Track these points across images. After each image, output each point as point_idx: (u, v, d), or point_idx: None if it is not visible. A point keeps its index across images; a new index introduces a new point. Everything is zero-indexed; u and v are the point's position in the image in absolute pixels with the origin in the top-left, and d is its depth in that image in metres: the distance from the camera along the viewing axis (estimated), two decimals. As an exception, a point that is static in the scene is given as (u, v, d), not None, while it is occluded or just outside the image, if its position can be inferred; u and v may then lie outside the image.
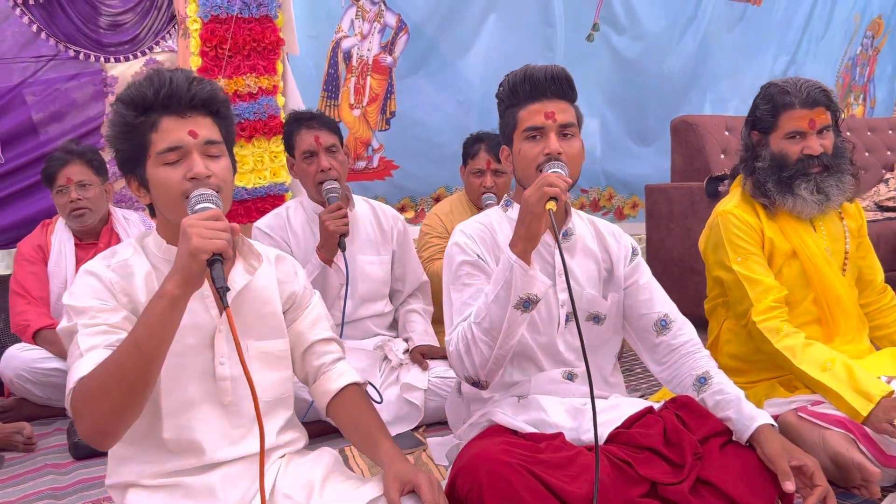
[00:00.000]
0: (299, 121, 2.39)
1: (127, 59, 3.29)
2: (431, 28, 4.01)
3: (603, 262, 1.79)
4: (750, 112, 1.99)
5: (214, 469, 1.38)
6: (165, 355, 1.23)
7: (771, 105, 1.92)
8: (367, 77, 3.90)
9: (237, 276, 1.41)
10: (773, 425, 1.55)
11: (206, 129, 1.32)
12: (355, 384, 1.52)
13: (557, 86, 1.66)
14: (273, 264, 1.50)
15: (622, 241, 1.82)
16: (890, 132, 4.56)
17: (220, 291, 1.17)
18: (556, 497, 1.36)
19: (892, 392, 1.64)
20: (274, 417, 1.46)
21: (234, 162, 1.42)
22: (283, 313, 1.50)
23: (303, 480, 1.39)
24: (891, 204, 3.85)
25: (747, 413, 1.57)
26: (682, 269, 3.44)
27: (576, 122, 1.68)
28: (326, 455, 1.47)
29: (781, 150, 1.90)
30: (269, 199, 3.25)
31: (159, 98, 1.28)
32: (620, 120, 4.77)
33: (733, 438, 1.58)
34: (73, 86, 3.24)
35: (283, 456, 1.46)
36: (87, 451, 2.13)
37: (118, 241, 2.73)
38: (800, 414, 1.78)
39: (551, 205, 1.48)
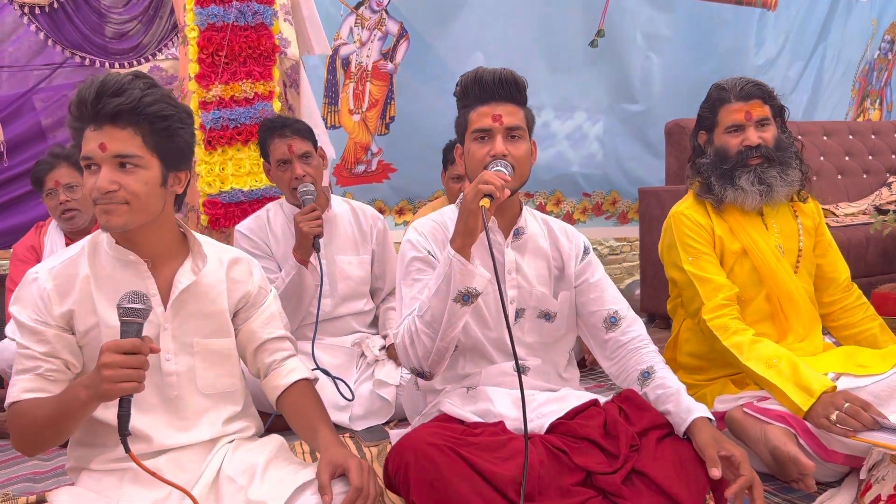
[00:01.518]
0: (272, 129, 2.46)
1: (132, 66, 3.42)
2: (433, 35, 4.08)
3: (554, 261, 1.83)
4: (697, 117, 2.03)
5: (162, 454, 1.46)
6: (79, 426, 1.37)
7: (710, 103, 1.97)
8: (366, 83, 3.99)
9: (182, 276, 1.49)
10: (709, 419, 1.58)
11: (119, 142, 1.33)
12: (304, 379, 1.59)
13: (506, 89, 1.71)
14: (225, 265, 1.57)
15: (574, 240, 1.87)
16: (895, 135, 4.51)
17: (122, 439, 1.25)
18: (482, 478, 1.41)
19: (835, 388, 1.66)
20: (218, 409, 1.54)
21: (177, 168, 1.44)
22: (235, 313, 1.57)
23: (246, 464, 1.46)
24: (892, 208, 3.82)
25: (685, 406, 1.60)
26: (672, 272, 3.46)
27: (524, 125, 1.73)
28: (272, 441, 1.55)
29: (723, 145, 1.95)
30: (264, 201, 3.33)
31: (85, 107, 1.33)
32: (624, 124, 4.77)
33: (673, 432, 1.62)
34: (80, 92, 3.38)
35: (232, 441, 1.54)
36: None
37: (108, 240, 2.85)
38: (745, 409, 1.80)
39: (485, 202, 1.53)
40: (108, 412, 1.40)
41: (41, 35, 3.19)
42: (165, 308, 1.45)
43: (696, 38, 4.78)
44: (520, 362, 1.78)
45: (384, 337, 2.58)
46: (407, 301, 1.74)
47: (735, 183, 1.92)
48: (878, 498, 1.54)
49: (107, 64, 3.36)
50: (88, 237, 1.52)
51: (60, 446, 2.18)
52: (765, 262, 1.93)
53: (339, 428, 2.13)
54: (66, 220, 2.72)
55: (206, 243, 1.56)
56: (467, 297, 1.59)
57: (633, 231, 4.90)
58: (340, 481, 1.35)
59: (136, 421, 1.42)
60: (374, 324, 2.69)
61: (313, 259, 2.39)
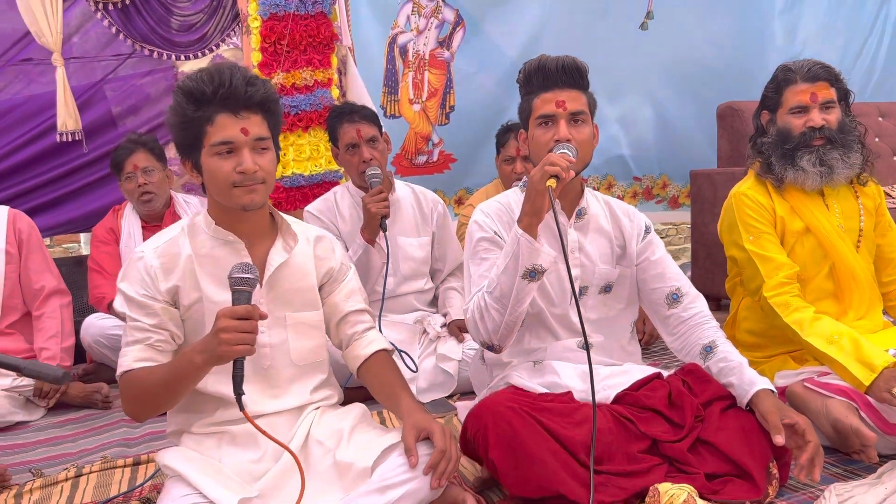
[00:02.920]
0: (341, 115, 2.60)
1: (196, 57, 3.55)
2: (488, 22, 4.11)
3: (616, 240, 1.90)
4: (761, 95, 2.06)
5: (256, 419, 1.57)
6: (191, 390, 1.48)
7: (776, 83, 2.00)
8: (424, 72, 4.03)
9: (275, 255, 1.60)
10: (771, 390, 1.64)
11: (256, 126, 1.49)
12: (384, 350, 1.69)
13: (568, 76, 1.78)
14: (311, 243, 1.67)
15: (635, 219, 1.93)
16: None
17: (237, 398, 1.36)
18: (555, 440, 1.50)
19: (896, 363, 1.70)
20: (307, 379, 1.65)
21: (277, 151, 1.58)
22: (321, 287, 1.68)
23: (333, 429, 1.58)
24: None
25: (748, 379, 1.66)
26: (724, 254, 3.47)
27: (587, 109, 1.79)
28: (356, 409, 1.66)
29: (786, 125, 1.98)
30: (324, 185, 3.45)
31: (217, 96, 1.45)
32: (675, 107, 4.75)
33: (736, 403, 1.68)
34: (148, 81, 3.52)
35: (318, 408, 1.65)
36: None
37: (180, 222, 3.00)
38: (805, 384, 1.85)
39: (551, 182, 1.60)
40: (206, 382, 1.52)
41: (113, 29, 3.33)
42: (261, 285, 1.56)
43: (748, 20, 4.73)
44: (580, 339, 1.86)
45: (444, 315, 2.67)
46: (475, 279, 1.83)
47: (796, 163, 1.95)
48: (939, 469, 1.58)
49: (174, 56, 3.49)
50: (184, 220, 1.62)
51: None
52: (829, 239, 1.97)
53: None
54: (144, 203, 2.88)
55: (292, 223, 1.66)
56: (534, 274, 1.66)
57: (682, 216, 4.89)
58: (424, 444, 1.45)
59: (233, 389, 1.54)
60: (434, 303, 2.78)
61: (380, 239, 2.50)
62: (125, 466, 1.94)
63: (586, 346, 1.59)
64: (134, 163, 2.86)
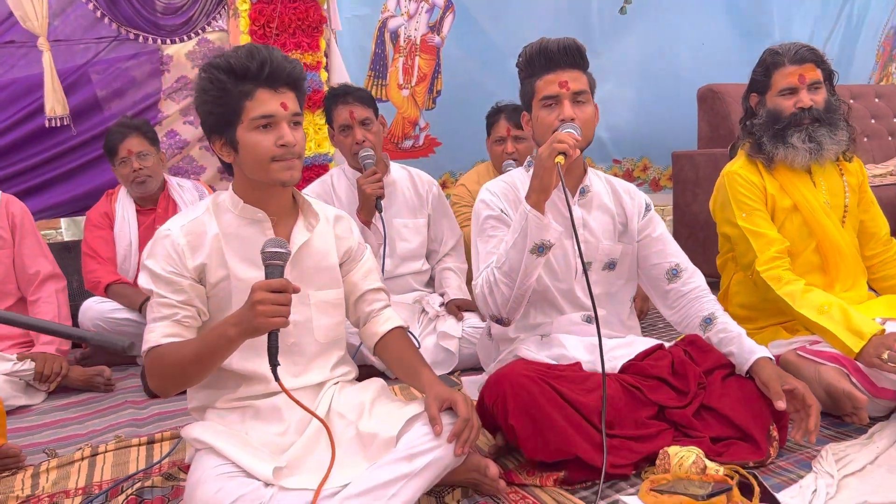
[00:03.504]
0: (335, 96, 2.62)
1: (182, 40, 3.53)
2: (477, 7, 4.14)
3: (618, 217, 1.97)
4: (749, 79, 2.14)
5: (279, 394, 1.60)
6: (221, 363, 1.51)
7: (764, 66, 2.08)
8: (415, 57, 4.04)
9: (298, 234, 1.63)
10: (770, 358, 1.73)
11: (292, 102, 1.53)
12: (400, 327, 1.74)
13: (570, 56, 1.84)
14: (331, 223, 1.71)
15: (636, 197, 2.00)
16: (921, 98, 4.58)
17: (273, 369, 1.40)
18: (570, 405, 1.57)
19: (884, 331, 1.80)
20: (328, 355, 1.69)
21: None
22: (340, 265, 1.72)
23: (354, 402, 1.63)
24: (917, 169, 3.92)
25: (748, 347, 1.75)
26: (707, 232, 3.57)
27: (588, 88, 1.86)
28: (375, 383, 1.71)
29: (776, 107, 2.06)
30: (314, 169, 3.47)
31: (262, 71, 1.48)
32: (655, 90, 4.83)
33: (735, 372, 1.77)
34: (133, 65, 3.49)
35: (337, 383, 1.69)
36: (159, 391, 2.40)
37: (174, 205, 3.00)
38: (798, 352, 1.95)
39: (560, 159, 1.66)
40: (231, 359, 1.55)
41: (98, 12, 3.30)
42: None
43: (724, 5, 4.83)
44: (584, 313, 1.94)
45: (441, 295, 2.73)
46: (483, 255, 1.88)
47: (787, 141, 2.04)
48: (925, 428, 1.69)
49: (159, 40, 3.47)
50: (208, 199, 1.65)
51: (151, 395, 2.37)
52: (815, 216, 2.07)
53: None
54: (138, 186, 2.87)
55: (312, 202, 1.69)
56: (542, 249, 1.73)
57: (664, 198, 4.99)
58: (446, 414, 1.51)
59: (257, 365, 1.58)
60: (430, 283, 2.84)
61: (376, 220, 2.53)
62: (140, 445, 1.96)
63: (595, 317, 1.65)
64: (128, 147, 2.85)
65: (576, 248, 1.90)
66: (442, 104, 4.12)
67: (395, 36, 3.93)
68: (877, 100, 4.39)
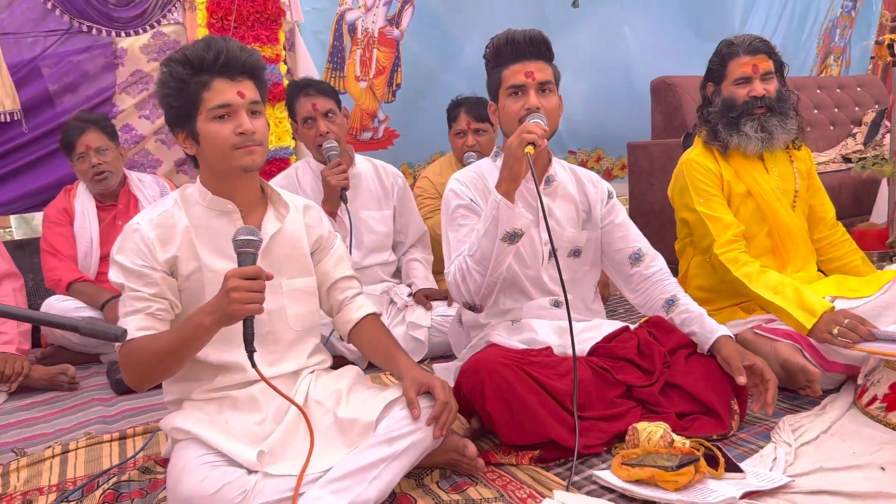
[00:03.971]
0: (298, 88, 2.63)
1: (136, 33, 3.47)
2: (436, 1, 4.16)
3: (581, 205, 2.03)
4: (706, 69, 2.23)
5: (255, 384, 1.62)
6: (196, 354, 1.51)
7: (720, 56, 2.18)
8: (373, 49, 4.04)
9: (268, 223, 1.64)
10: (730, 336, 1.81)
11: (250, 91, 1.54)
12: (373, 314, 1.77)
13: (536, 47, 1.89)
14: (301, 212, 1.73)
15: (599, 186, 2.07)
16: (859, 89, 4.79)
17: (250, 355, 1.42)
18: (544, 390, 1.63)
19: (833, 308, 1.90)
20: (304, 344, 1.71)
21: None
22: (311, 254, 1.74)
23: (331, 389, 1.65)
24: (856, 156, 4.10)
25: (709, 327, 1.83)
26: (662, 220, 3.69)
27: (553, 79, 1.91)
28: (351, 370, 1.73)
29: (731, 95, 2.16)
30: (275, 163, 3.46)
31: (217, 62, 1.50)
32: (608, 82, 4.94)
33: (697, 350, 1.85)
34: (86, 58, 3.41)
35: (313, 372, 1.71)
36: (127, 388, 2.37)
37: (135, 201, 2.96)
38: (755, 331, 2.05)
39: (529, 149, 1.71)
40: (207, 350, 1.55)
41: (48, 4, 3.22)
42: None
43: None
44: (552, 297, 2.00)
45: (409, 285, 2.76)
46: (454, 244, 1.92)
47: (740, 129, 2.13)
48: (873, 398, 1.79)
49: (113, 33, 3.41)
50: (176, 192, 1.65)
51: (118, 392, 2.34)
52: (767, 201, 2.17)
53: (377, 368, 2.31)
54: (98, 182, 2.82)
55: (281, 193, 1.71)
56: (513, 237, 1.78)
57: (619, 188, 5.08)
58: (424, 398, 1.54)
59: (233, 355, 1.59)
60: (397, 274, 2.87)
61: (341, 211, 2.55)
62: (111, 441, 1.95)
63: (566, 301, 1.71)
64: (86, 143, 2.80)
65: (542, 235, 1.97)
66: (402, 97, 4.14)
67: (352, 28, 3.94)
68: (818, 91, 4.57)
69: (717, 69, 2.19)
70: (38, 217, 4.10)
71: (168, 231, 1.57)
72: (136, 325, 1.51)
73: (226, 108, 1.51)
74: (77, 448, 1.91)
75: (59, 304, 2.66)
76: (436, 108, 4.15)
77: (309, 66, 3.52)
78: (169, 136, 3.62)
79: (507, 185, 1.77)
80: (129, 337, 1.50)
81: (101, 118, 2.89)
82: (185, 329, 1.47)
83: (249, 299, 1.39)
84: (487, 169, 2.03)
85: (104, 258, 2.89)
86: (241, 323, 1.44)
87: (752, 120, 2.12)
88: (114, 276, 1.56)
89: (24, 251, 3.26)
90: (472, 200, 1.94)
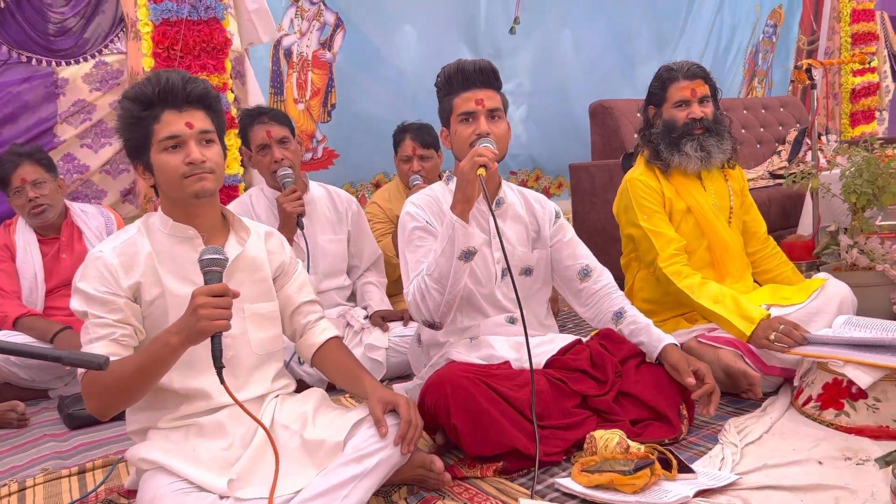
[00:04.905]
0: (251, 116, 2.66)
1: (77, 62, 3.44)
2: (366, 24, 4.26)
3: (531, 225, 2.12)
4: (647, 93, 2.37)
5: (221, 410, 1.64)
6: (163, 376, 1.52)
7: (660, 81, 2.32)
8: (307, 72, 4.13)
9: (230, 248, 1.67)
10: (675, 344, 1.92)
11: (199, 120, 1.58)
12: (336, 337, 1.81)
13: (485, 77, 1.98)
14: (262, 238, 1.77)
15: (547, 206, 2.16)
16: (781, 109, 5.08)
17: (218, 371, 1.43)
18: (506, 402, 1.69)
19: (769, 315, 2.03)
20: (267, 368, 1.73)
21: (224, 148, 1.67)
22: (274, 279, 1.77)
23: (297, 413, 1.68)
24: (782, 172, 4.34)
25: (655, 336, 1.94)
26: (604, 238, 3.82)
27: (501, 107, 2.01)
28: (315, 393, 1.76)
29: (671, 117, 2.30)
30: (223, 190, 3.45)
31: (158, 95, 1.54)
32: (546, 106, 5.10)
33: (646, 359, 1.95)
34: (26, 88, 3.36)
35: (277, 396, 1.74)
36: (81, 422, 2.34)
37: (79, 232, 2.92)
38: (699, 339, 2.17)
39: (481, 171, 1.80)
40: (171, 378, 1.57)
41: (-15, 34, 3.17)
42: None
43: (608, 26, 5.17)
44: (508, 314, 2.07)
45: (365, 308, 2.80)
46: (412, 265, 1.98)
47: (681, 149, 2.27)
48: (809, 398, 1.92)
49: (53, 63, 3.37)
50: (139, 221, 1.67)
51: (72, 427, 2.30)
52: (705, 217, 2.30)
53: (338, 391, 2.34)
54: (37, 216, 2.78)
55: (242, 219, 1.74)
56: (469, 255, 1.85)
57: (557, 205, 5.24)
58: (390, 416, 1.58)
59: (198, 382, 1.61)
60: (352, 298, 2.90)
61: (297, 237, 2.58)
62: (70, 476, 1.92)
63: (522, 317, 1.79)
64: (21, 176, 2.74)
65: (493, 255, 2.05)
66: (337, 116, 4.23)
67: (288, 53, 4.01)
68: (745, 111, 4.83)
69: (657, 93, 2.33)
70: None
71: (131, 258, 1.58)
72: (99, 351, 1.51)
73: (174, 139, 1.55)
74: (35, 485, 1.87)
75: (6, 340, 2.56)
76: (373, 127, 4.26)
77: (258, 96, 3.55)
78: (113, 166, 3.59)
79: (462, 206, 1.84)
80: None
81: (35, 150, 2.83)
82: (151, 350, 1.47)
83: (217, 315, 1.41)
84: (441, 192, 2.10)
85: (50, 292, 2.84)
86: (206, 347, 1.46)
87: (691, 140, 2.26)
88: (76, 304, 1.56)
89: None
90: (427, 222, 2.01)
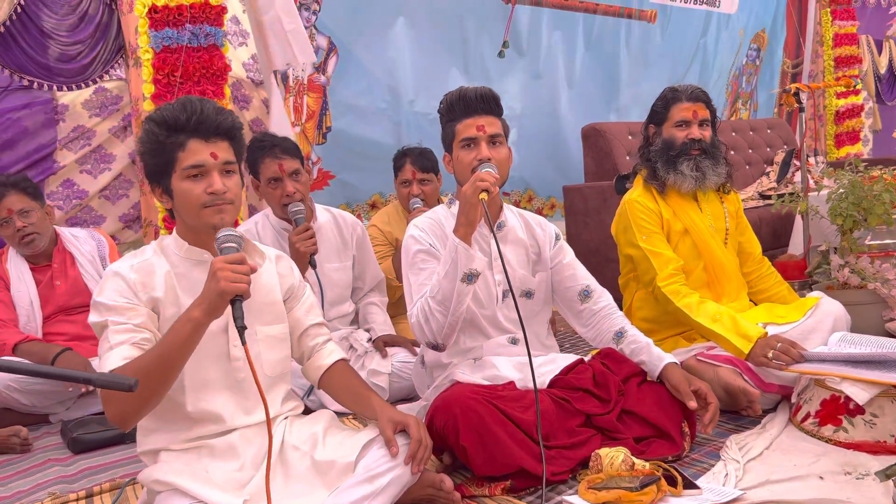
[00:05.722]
0: (262, 148, 2.63)
1: (78, 87, 3.48)
2: (358, 48, 4.33)
3: (531, 248, 2.16)
4: (649, 112, 2.43)
5: (233, 431, 1.65)
6: (184, 364, 1.51)
7: (664, 101, 2.40)
8: (303, 96, 4.19)
9: None
10: (676, 363, 1.96)
11: (224, 151, 1.61)
12: (343, 359, 1.83)
13: (486, 103, 2.04)
14: (273, 262, 1.80)
15: (547, 229, 2.21)
16: (769, 131, 5.18)
17: (239, 330, 1.45)
18: (512, 423, 1.72)
19: (766, 333, 2.08)
20: (277, 390, 1.75)
21: (242, 178, 1.70)
22: (283, 302, 1.79)
23: (307, 434, 1.70)
24: (771, 193, 4.43)
25: (656, 355, 1.98)
26: (598, 258, 3.86)
27: (503, 132, 2.06)
28: (324, 414, 1.79)
29: (671, 136, 2.37)
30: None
31: (190, 123, 1.56)
32: (538, 129, 5.18)
33: (647, 378, 1.99)
34: (26, 114, 3.39)
35: (286, 418, 1.76)
36: (85, 446, 2.34)
37: (71, 258, 2.92)
38: (698, 357, 2.21)
39: (483, 195, 1.84)
40: (186, 398, 1.59)
41: (-12, 59, 3.21)
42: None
43: (592, 50, 5.28)
44: (509, 335, 2.11)
45: (367, 330, 2.82)
46: (415, 287, 2.02)
47: (677, 168, 2.34)
48: (807, 415, 1.96)
49: (55, 88, 3.41)
50: (152, 244, 1.69)
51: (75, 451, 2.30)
52: (702, 238, 2.36)
53: (341, 414, 2.35)
54: (26, 245, 2.79)
55: (255, 243, 1.77)
56: (471, 277, 1.89)
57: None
58: (400, 436, 1.61)
59: (210, 404, 1.62)
60: (355, 320, 2.92)
61: (309, 275, 2.56)
62: (78, 500, 1.93)
63: (525, 338, 1.82)
64: (8, 207, 2.75)
65: (495, 277, 2.09)
66: (332, 139, 4.28)
67: (284, 78, 4.06)
68: (733, 133, 4.92)
69: (660, 111, 2.40)
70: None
71: (148, 276, 1.60)
72: (120, 355, 1.49)
73: (198, 168, 1.57)
74: (43, 509, 1.88)
75: (41, 366, 2.57)
76: (366, 148, 4.32)
77: (281, 120, 3.58)
78: (112, 191, 3.61)
79: (465, 230, 1.88)
80: (112, 367, 1.48)
81: (20, 180, 2.83)
82: (172, 332, 1.47)
83: (237, 278, 1.44)
84: (443, 215, 2.14)
85: (47, 319, 2.84)
86: (217, 367, 1.51)
87: (688, 160, 2.32)
88: (94, 317, 1.56)
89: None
90: (430, 245, 2.05)
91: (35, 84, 3.35)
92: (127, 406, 1.49)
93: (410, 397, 2.56)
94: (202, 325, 1.48)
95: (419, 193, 3.14)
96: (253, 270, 1.49)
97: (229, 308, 1.61)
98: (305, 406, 2.40)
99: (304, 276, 2.53)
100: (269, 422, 1.45)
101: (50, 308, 2.86)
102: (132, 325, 1.54)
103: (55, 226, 2.98)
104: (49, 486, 2.07)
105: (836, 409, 1.87)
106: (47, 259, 2.89)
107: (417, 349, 2.65)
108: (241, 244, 1.54)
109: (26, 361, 2.48)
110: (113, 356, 1.50)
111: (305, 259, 2.52)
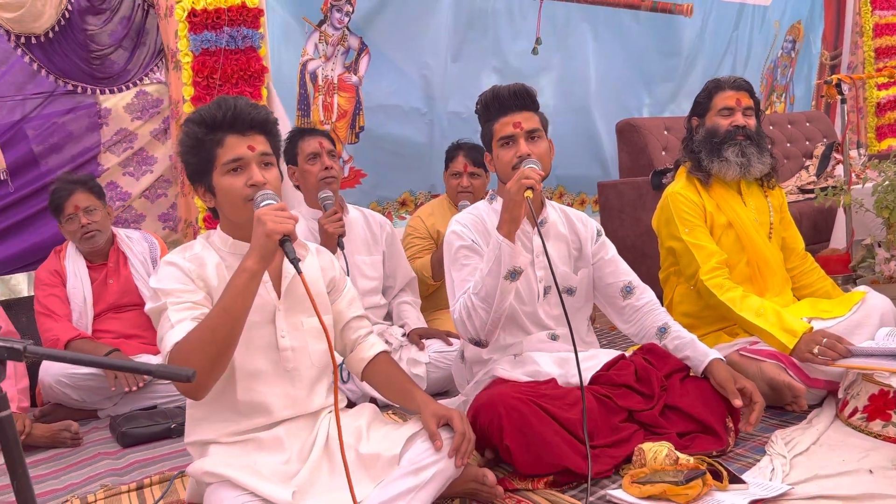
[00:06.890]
0: (302, 132, 2.81)
1: (120, 91, 3.56)
2: (389, 48, 4.36)
3: (573, 244, 2.16)
4: (692, 105, 2.42)
5: (280, 424, 1.68)
6: (246, 318, 1.53)
7: (707, 91, 2.40)
8: (333, 95, 4.23)
9: (289, 265, 1.72)
10: (721, 359, 1.94)
11: (261, 144, 1.64)
12: (385, 351, 1.85)
13: (520, 100, 2.04)
14: (315, 255, 1.83)
15: (588, 225, 2.20)
16: (807, 124, 5.09)
17: (294, 262, 1.48)
18: (556, 422, 1.73)
19: (812, 329, 2.05)
20: (322, 382, 1.77)
21: (280, 172, 1.74)
22: (327, 294, 1.82)
23: (351, 427, 1.72)
24: (811, 187, 4.35)
25: (701, 351, 1.96)
26: (634, 254, 3.83)
27: (540, 126, 2.06)
28: (367, 408, 1.81)
29: (714, 124, 2.36)
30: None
31: (226, 119, 1.60)
32: (570, 125, 5.16)
33: (691, 373, 1.98)
34: (70, 119, 3.48)
35: (331, 412, 1.78)
36: (133, 440, 2.40)
37: (125, 258, 3.01)
38: (741, 353, 2.19)
39: (528, 193, 1.85)
40: (237, 388, 1.62)
41: (34, 65, 3.30)
42: (279, 294, 1.68)
43: (623, 46, 5.23)
44: (550, 331, 2.11)
45: (402, 326, 2.85)
46: (458, 283, 2.03)
47: (721, 155, 2.32)
48: (854, 410, 1.93)
49: (98, 92, 3.49)
50: (199, 239, 1.73)
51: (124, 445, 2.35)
52: (746, 232, 2.33)
53: (381, 406, 2.38)
54: (88, 241, 2.87)
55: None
56: (515, 274, 1.89)
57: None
58: (443, 429, 1.62)
59: (259, 395, 1.65)
60: (388, 317, 2.95)
61: (337, 257, 2.63)
62: (129, 492, 1.97)
63: (571, 334, 1.82)
64: (75, 203, 2.85)
65: (536, 273, 2.09)
66: (365, 138, 4.31)
67: (314, 77, 4.11)
68: (771, 127, 4.84)
69: (703, 102, 2.39)
70: (14, 279, 4.09)
71: (201, 267, 1.64)
72: (183, 327, 1.51)
73: (237, 162, 1.61)
74: (96, 500, 1.93)
75: (58, 363, 2.67)
76: (397, 147, 4.34)
77: (283, 121, 3.63)
78: (152, 191, 3.69)
79: (509, 227, 1.89)
80: (175, 341, 1.50)
81: (87, 178, 2.95)
82: (230, 286, 1.50)
83: (282, 220, 1.48)
84: (485, 211, 2.15)
85: (98, 316, 2.92)
86: (267, 359, 1.57)
87: (733, 145, 2.31)
88: (152, 302, 1.59)
89: (12, 311, 3.26)
90: (473, 241, 2.06)
91: (79, 89, 3.43)
92: (197, 363, 1.46)
93: (448, 389, 2.59)
94: (257, 274, 1.51)
95: (468, 186, 3.19)
96: (295, 220, 1.52)
97: (275, 297, 1.65)
98: (348, 399, 2.45)
99: None
100: (335, 380, 1.49)
101: (101, 306, 2.94)
102: (191, 303, 1.57)
103: (113, 227, 3.07)
104: (100, 479, 2.13)
105: (885, 404, 1.84)
106: (104, 258, 2.97)
107: (451, 339, 2.68)
108: (277, 199, 1.57)
109: (97, 357, 2.55)
110: (175, 332, 1.51)
111: (334, 240, 2.58)
